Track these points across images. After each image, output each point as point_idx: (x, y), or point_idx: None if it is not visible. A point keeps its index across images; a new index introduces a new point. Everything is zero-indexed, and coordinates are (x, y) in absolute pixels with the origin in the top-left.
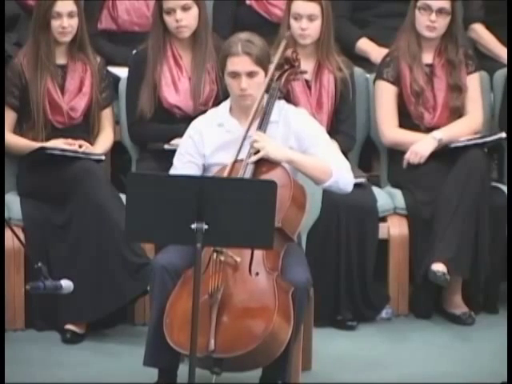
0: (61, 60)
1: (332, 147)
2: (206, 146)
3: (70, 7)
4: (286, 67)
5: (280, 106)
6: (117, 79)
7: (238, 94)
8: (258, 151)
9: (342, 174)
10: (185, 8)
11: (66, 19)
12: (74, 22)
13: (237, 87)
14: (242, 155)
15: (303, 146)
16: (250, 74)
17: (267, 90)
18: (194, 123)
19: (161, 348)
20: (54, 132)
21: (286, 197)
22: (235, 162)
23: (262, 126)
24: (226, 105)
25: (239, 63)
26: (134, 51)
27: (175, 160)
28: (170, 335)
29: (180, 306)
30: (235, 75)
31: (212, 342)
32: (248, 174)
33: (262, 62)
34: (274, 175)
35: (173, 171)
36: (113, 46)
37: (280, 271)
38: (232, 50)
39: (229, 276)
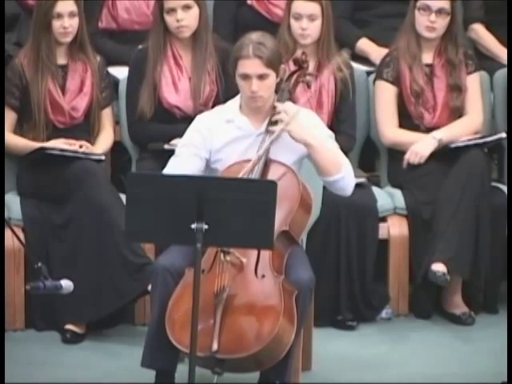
0: (61, 60)
1: (338, 150)
2: (215, 142)
3: (71, 7)
4: (295, 69)
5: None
6: (116, 81)
7: (248, 96)
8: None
9: (349, 173)
10: (186, 8)
11: (66, 19)
12: (75, 22)
13: (248, 89)
14: (251, 154)
15: None
16: (261, 77)
17: (276, 91)
18: (201, 118)
19: (159, 349)
20: (55, 132)
21: (295, 199)
22: (243, 161)
23: (271, 126)
24: (235, 102)
25: (250, 66)
26: (140, 47)
27: (179, 150)
28: (172, 333)
29: (183, 304)
30: (246, 77)
31: (215, 342)
32: (257, 175)
33: (273, 64)
34: (282, 177)
35: (175, 160)
36: (114, 43)
37: (284, 273)
38: (243, 53)
39: (235, 277)
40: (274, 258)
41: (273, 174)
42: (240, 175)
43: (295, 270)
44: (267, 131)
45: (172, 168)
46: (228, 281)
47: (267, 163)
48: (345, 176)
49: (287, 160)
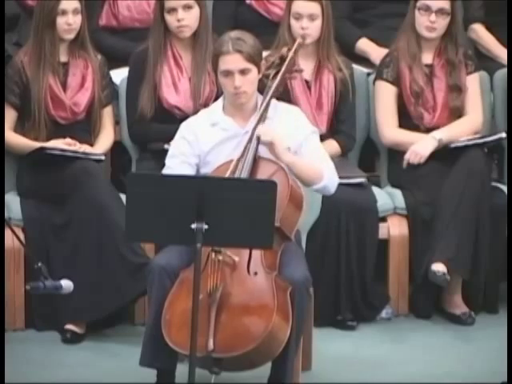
0: (62, 57)
1: (321, 148)
2: (203, 146)
3: (75, 4)
4: (282, 65)
5: (274, 103)
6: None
7: (232, 93)
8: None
9: (331, 179)
10: (186, 7)
11: (71, 16)
12: (78, 18)
13: (230, 85)
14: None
15: (295, 143)
16: (243, 72)
17: (263, 89)
18: (186, 124)
19: (157, 348)
20: (56, 129)
21: (284, 196)
22: (232, 161)
23: (259, 124)
24: (218, 104)
25: (231, 61)
26: (141, 48)
27: (168, 161)
28: (169, 335)
29: (178, 305)
30: (228, 74)
31: (211, 341)
32: (245, 173)
33: (254, 58)
34: (271, 173)
35: (165, 172)
36: (114, 39)
37: (278, 270)
38: (223, 49)
39: (227, 275)
40: (266, 255)
41: (262, 171)
42: (227, 175)
43: (289, 267)
44: (253, 127)
45: None
46: (221, 280)
47: (256, 160)
48: (326, 184)
49: None
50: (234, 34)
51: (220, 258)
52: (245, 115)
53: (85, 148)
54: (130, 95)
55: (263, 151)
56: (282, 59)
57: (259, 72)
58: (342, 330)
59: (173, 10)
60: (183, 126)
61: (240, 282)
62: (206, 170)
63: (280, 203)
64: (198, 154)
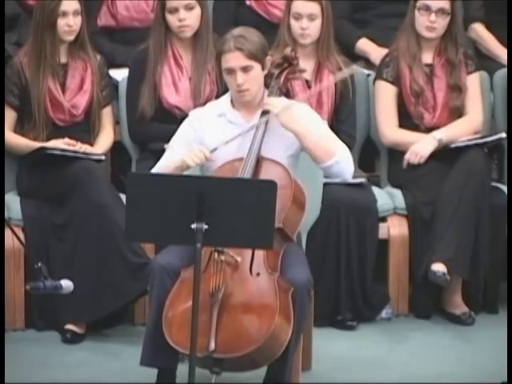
0: (62, 59)
1: (336, 138)
2: (207, 134)
3: (76, 5)
4: (285, 65)
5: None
6: (115, 84)
7: (235, 90)
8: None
9: (343, 158)
10: (188, 7)
11: (71, 18)
12: (79, 20)
13: (233, 83)
14: (243, 153)
15: None
16: (245, 69)
17: (267, 88)
18: (194, 112)
19: (158, 348)
20: (56, 130)
21: (287, 197)
22: (234, 160)
23: (263, 122)
24: (226, 97)
25: (232, 59)
26: (141, 47)
27: (171, 142)
28: (170, 334)
29: (179, 304)
30: (230, 72)
31: (212, 341)
32: (249, 173)
33: (256, 55)
34: (274, 174)
35: (168, 152)
36: (112, 45)
37: (280, 271)
38: (224, 48)
39: (229, 276)
40: (268, 256)
41: (265, 172)
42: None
43: (291, 269)
44: (257, 127)
45: (165, 159)
46: (223, 280)
47: (259, 161)
48: (339, 161)
49: (281, 153)
50: (237, 31)
51: (222, 258)
52: (251, 109)
53: (85, 148)
54: (130, 95)
55: (269, 148)
56: (286, 59)
57: (263, 68)
58: (341, 330)
59: (174, 9)
60: (191, 113)
61: (242, 283)
62: (210, 164)
63: (283, 204)
64: (200, 141)
